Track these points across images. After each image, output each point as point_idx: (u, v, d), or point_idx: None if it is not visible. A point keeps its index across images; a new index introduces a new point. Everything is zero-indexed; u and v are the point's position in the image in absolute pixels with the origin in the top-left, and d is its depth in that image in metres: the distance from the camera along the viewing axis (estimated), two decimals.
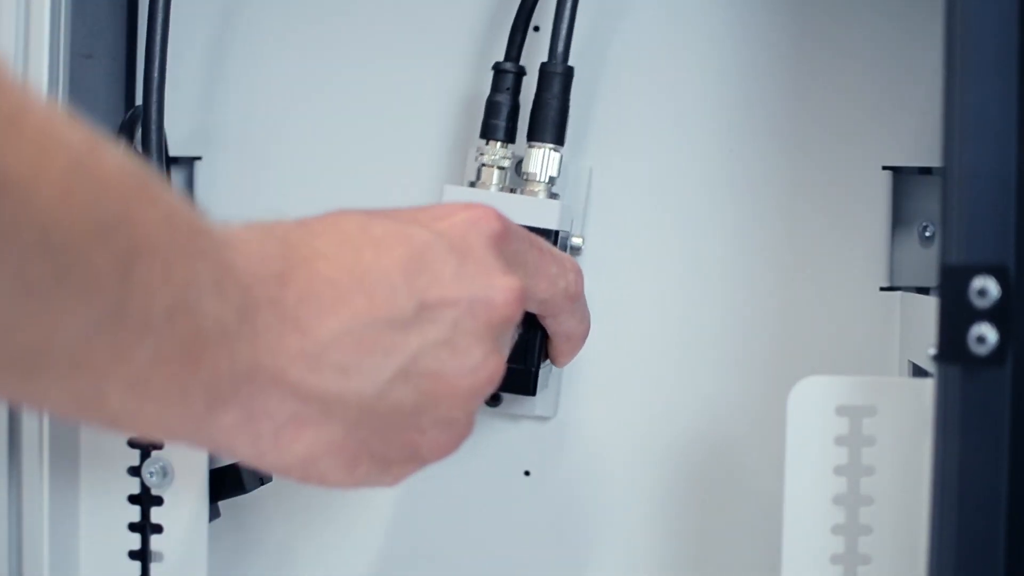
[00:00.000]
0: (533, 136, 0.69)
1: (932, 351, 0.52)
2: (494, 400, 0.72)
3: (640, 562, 0.73)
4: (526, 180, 0.69)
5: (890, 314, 0.71)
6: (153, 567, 0.63)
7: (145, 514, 0.62)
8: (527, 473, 0.74)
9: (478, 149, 0.69)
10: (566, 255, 0.62)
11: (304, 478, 0.51)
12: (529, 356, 0.66)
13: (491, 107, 0.69)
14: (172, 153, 0.73)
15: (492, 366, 0.53)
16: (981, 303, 0.51)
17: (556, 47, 0.68)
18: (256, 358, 0.47)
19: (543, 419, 0.73)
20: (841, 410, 0.60)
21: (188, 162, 0.74)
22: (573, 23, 0.68)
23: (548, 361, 0.68)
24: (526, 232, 0.58)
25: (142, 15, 0.73)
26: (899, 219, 0.72)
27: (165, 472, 0.62)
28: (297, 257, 0.49)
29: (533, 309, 0.61)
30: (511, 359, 0.66)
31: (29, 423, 0.59)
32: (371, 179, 0.74)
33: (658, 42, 0.72)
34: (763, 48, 0.72)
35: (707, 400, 0.72)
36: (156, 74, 0.66)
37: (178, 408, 0.45)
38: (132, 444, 0.62)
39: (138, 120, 0.68)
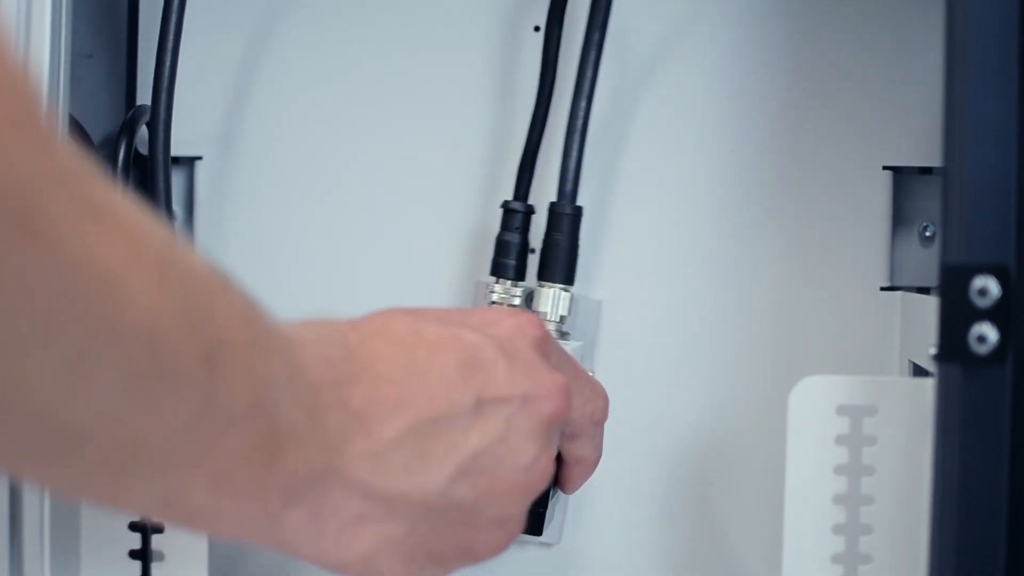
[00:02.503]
0: (543, 275, 0.69)
1: (932, 350, 0.52)
2: None
3: (640, 562, 0.73)
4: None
5: (890, 314, 0.71)
6: (154, 567, 0.62)
7: None
8: None
9: (488, 286, 0.70)
10: (596, 381, 0.62)
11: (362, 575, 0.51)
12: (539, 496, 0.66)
13: (501, 246, 0.70)
14: (173, 153, 0.73)
15: (544, 464, 0.54)
16: (981, 302, 0.51)
17: (565, 187, 0.69)
18: (325, 458, 0.48)
19: (547, 546, 0.73)
20: (841, 410, 0.60)
21: (188, 162, 0.74)
22: (581, 161, 0.68)
23: (556, 490, 0.67)
24: (563, 349, 0.59)
25: (143, 15, 0.74)
26: (899, 219, 0.72)
27: None
28: (359, 360, 0.50)
29: None
30: None
31: None
32: (371, 179, 0.74)
33: (658, 41, 0.72)
34: (763, 48, 0.72)
35: (707, 400, 0.72)
36: (167, 71, 0.66)
37: (256, 505, 0.46)
38: None
39: (138, 120, 0.68)
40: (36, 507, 0.59)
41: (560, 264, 0.69)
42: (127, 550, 0.62)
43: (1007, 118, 0.51)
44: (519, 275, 0.70)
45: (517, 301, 0.69)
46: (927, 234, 0.72)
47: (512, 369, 0.53)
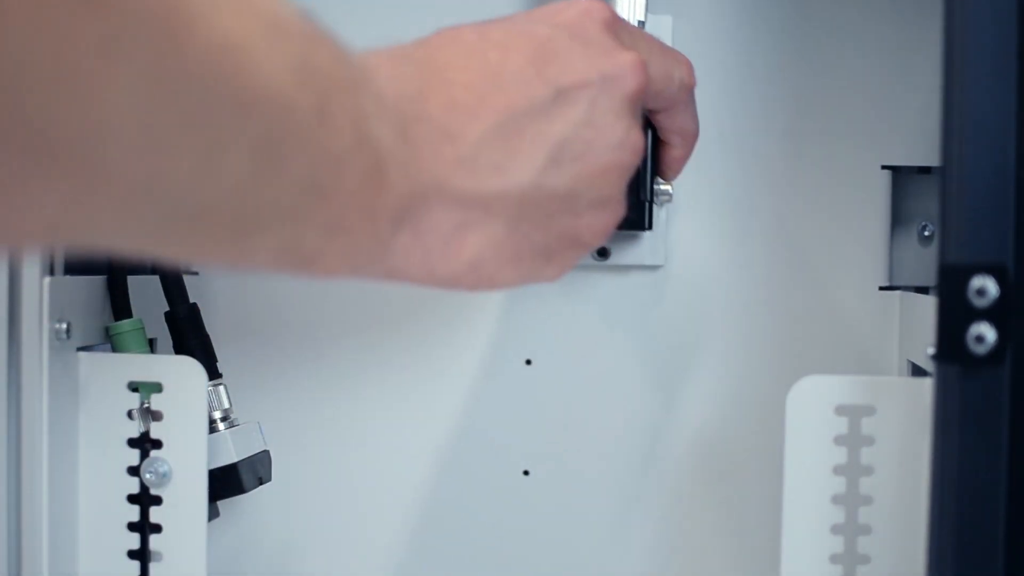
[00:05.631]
0: None
1: (931, 350, 0.52)
2: (603, 254, 0.71)
3: (640, 562, 0.73)
4: None
5: (889, 314, 0.71)
6: (152, 567, 0.62)
7: (144, 514, 0.62)
8: (527, 473, 0.74)
9: None
10: (674, 49, 0.61)
11: (475, 284, 0.52)
12: (640, 185, 0.65)
13: None
14: None
15: (635, 139, 0.54)
16: (980, 302, 0.51)
17: None
18: (421, 175, 0.49)
19: (654, 268, 0.72)
20: (840, 410, 0.60)
21: None
22: None
23: (657, 178, 0.67)
24: (633, 27, 0.59)
25: None
26: (899, 219, 0.72)
27: (164, 472, 0.62)
28: (430, 72, 0.50)
29: (647, 104, 0.60)
30: None
31: (30, 421, 0.59)
32: None
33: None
34: (762, 47, 0.72)
35: (707, 400, 0.73)
36: None
37: (367, 237, 0.46)
38: (132, 444, 0.62)
39: None
40: (37, 505, 0.59)
41: None
42: (126, 550, 0.62)
43: (1006, 118, 0.51)
44: None
45: None
46: (926, 234, 0.72)
47: (586, 53, 0.53)
